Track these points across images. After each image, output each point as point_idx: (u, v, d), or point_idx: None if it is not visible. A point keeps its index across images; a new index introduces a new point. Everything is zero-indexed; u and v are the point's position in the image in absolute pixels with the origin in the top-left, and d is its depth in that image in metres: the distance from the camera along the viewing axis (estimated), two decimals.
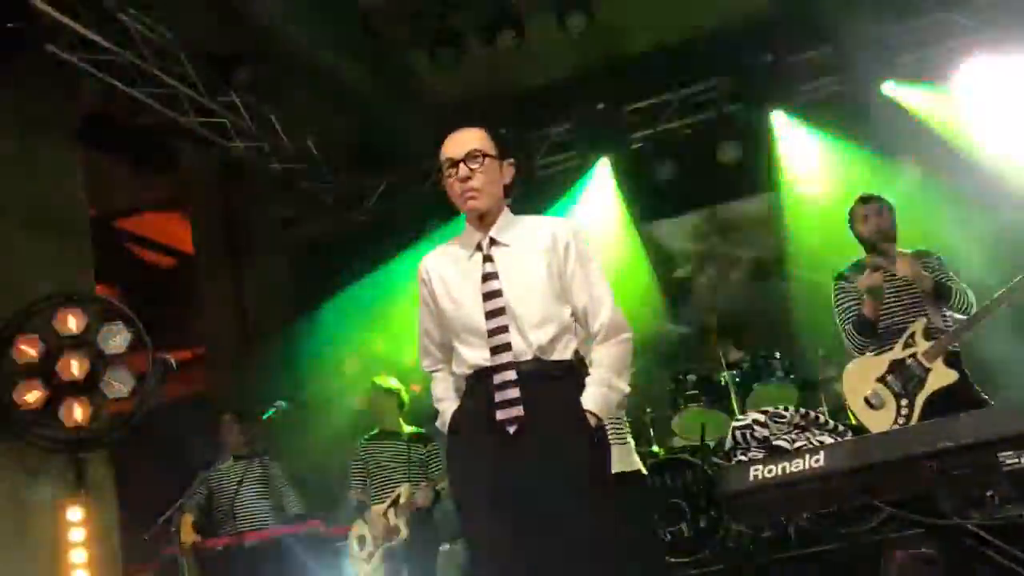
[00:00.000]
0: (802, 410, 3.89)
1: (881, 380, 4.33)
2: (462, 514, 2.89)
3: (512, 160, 2.97)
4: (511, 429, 2.76)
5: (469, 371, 2.88)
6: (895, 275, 4.44)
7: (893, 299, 4.41)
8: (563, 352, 2.86)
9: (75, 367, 5.17)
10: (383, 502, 5.52)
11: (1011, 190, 6.39)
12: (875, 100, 7.09)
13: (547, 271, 2.88)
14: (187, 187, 8.00)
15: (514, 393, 2.77)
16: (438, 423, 3.02)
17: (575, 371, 2.90)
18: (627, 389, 2.95)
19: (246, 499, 5.85)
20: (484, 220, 2.93)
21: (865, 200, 4.58)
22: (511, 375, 2.79)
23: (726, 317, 6.65)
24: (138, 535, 5.71)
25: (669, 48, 7.49)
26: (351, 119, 6.76)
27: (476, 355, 2.86)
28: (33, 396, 5.13)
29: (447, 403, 2.99)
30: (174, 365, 5.85)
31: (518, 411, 2.76)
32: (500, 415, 2.77)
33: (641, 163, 7.84)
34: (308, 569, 5.61)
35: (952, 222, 6.01)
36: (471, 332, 2.87)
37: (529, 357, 2.81)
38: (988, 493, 3.32)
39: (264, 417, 5.72)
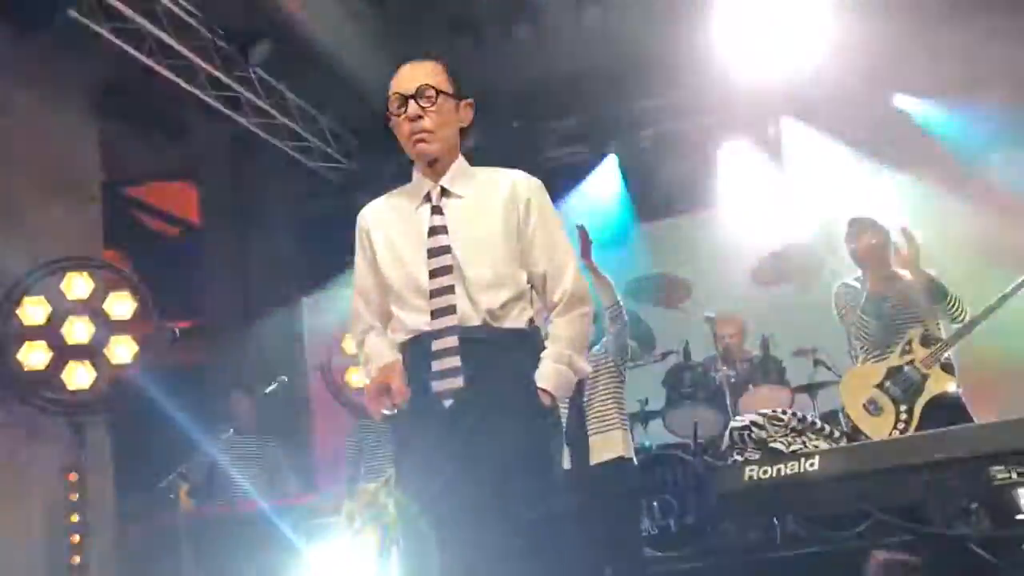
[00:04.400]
0: (799, 413, 3.99)
1: (879, 387, 4.41)
2: (403, 489, 2.49)
3: (470, 100, 2.59)
4: (447, 403, 2.39)
5: (407, 337, 2.48)
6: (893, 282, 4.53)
7: (891, 307, 4.49)
8: (516, 320, 2.47)
9: (80, 331, 5.21)
10: (376, 482, 5.57)
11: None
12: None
13: (504, 229, 2.50)
14: (197, 159, 8.03)
15: (453, 362, 2.39)
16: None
17: (529, 342, 2.50)
18: (588, 369, 2.59)
19: (244, 473, 5.93)
20: (435, 167, 2.55)
21: (854, 223, 4.66)
22: (452, 342, 2.39)
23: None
24: (133, 499, 5.78)
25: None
26: (364, 104, 6.77)
27: (415, 318, 2.45)
28: (37, 358, 5.17)
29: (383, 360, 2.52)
30: (177, 334, 5.92)
31: (457, 382, 2.38)
32: (436, 386, 2.39)
33: (647, 160, 7.89)
34: (292, 541, 5.65)
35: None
36: (412, 292, 2.47)
37: (477, 323, 2.41)
38: (974, 505, 3.40)
39: (267, 392, 5.81)
